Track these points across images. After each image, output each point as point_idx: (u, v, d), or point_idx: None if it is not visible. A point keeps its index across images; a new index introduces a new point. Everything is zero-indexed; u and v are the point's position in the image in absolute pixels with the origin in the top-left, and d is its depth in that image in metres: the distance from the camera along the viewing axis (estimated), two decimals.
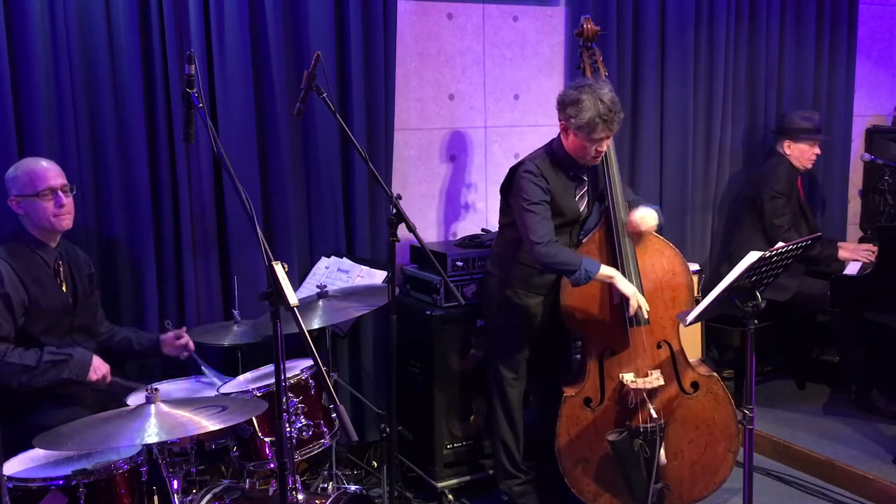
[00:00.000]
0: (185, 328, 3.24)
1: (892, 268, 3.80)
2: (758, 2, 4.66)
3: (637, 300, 3.16)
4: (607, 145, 3.24)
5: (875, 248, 4.41)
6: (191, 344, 3.18)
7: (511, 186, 3.30)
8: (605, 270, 3.16)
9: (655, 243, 3.37)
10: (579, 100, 3.09)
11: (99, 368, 2.92)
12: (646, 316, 3.21)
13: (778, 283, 2.98)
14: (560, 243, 3.32)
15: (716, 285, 2.82)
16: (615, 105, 3.10)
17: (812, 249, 4.14)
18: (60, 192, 2.93)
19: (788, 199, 4.42)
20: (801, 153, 4.47)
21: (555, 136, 3.24)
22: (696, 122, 4.57)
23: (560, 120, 3.20)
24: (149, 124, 3.38)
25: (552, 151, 3.29)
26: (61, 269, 3.02)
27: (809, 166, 4.54)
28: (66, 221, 2.97)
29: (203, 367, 3.14)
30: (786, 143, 4.48)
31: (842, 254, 4.39)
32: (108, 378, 2.96)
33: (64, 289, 3.02)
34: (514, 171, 3.30)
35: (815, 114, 4.57)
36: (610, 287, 3.22)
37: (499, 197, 3.43)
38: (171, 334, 3.18)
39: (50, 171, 2.93)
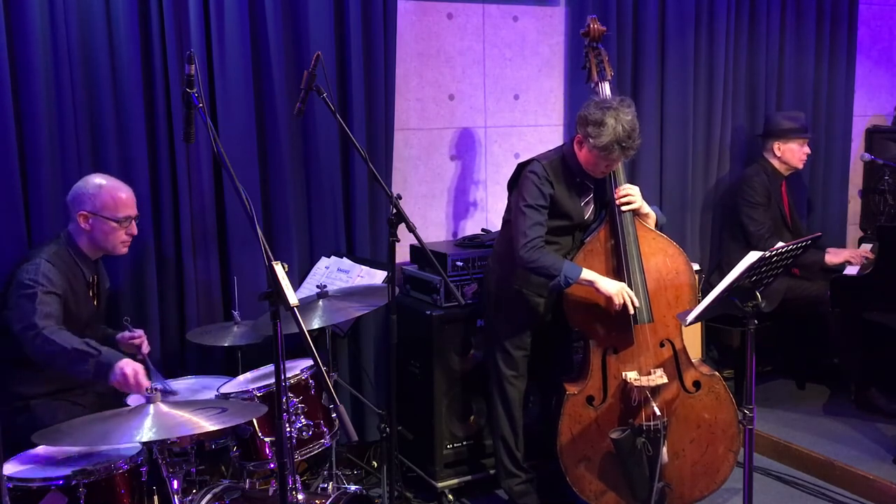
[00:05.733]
0: (141, 331, 3.11)
1: (892, 268, 3.80)
2: (758, 1, 4.66)
3: (622, 296, 3.17)
4: (618, 163, 3.26)
5: (864, 252, 4.42)
6: (145, 347, 3.06)
7: (516, 182, 3.32)
8: (587, 275, 3.17)
9: (659, 242, 3.37)
10: (602, 122, 3.10)
11: (127, 377, 2.67)
12: (631, 311, 3.21)
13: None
14: (561, 245, 3.34)
15: (708, 293, 2.83)
16: (634, 132, 3.12)
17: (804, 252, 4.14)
18: (134, 222, 3.00)
19: (766, 208, 4.42)
20: (792, 153, 4.46)
21: (557, 135, 3.26)
22: (696, 122, 4.57)
23: (578, 132, 3.21)
24: (149, 124, 3.38)
25: (563, 156, 3.31)
26: (95, 283, 3.06)
27: (801, 166, 4.53)
28: (126, 249, 3.02)
29: (152, 374, 2.95)
30: (775, 146, 4.46)
31: (828, 258, 4.38)
32: (144, 386, 2.64)
33: (95, 303, 3.06)
34: (521, 168, 3.32)
35: (800, 113, 4.57)
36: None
37: (500, 196, 3.45)
38: (126, 333, 3.09)
39: (132, 200, 3.00)
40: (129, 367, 2.69)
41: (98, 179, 2.98)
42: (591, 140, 3.14)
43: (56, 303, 2.82)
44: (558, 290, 3.21)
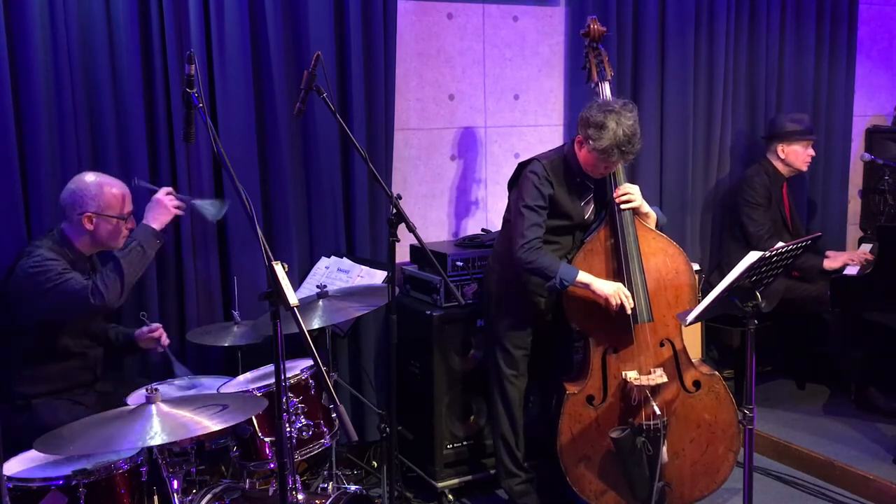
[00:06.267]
0: (159, 324, 3.20)
1: (892, 268, 3.80)
2: (758, 2, 4.66)
3: (618, 297, 3.17)
4: (618, 165, 3.26)
5: (862, 253, 4.41)
6: (164, 339, 3.14)
7: (517, 182, 3.32)
8: (582, 277, 3.19)
9: (659, 242, 3.37)
10: (603, 125, 3.10)
11: (157, 220, 2.98)
12: (627, 311, 3.21)
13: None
14: (561, 245, 3.34)
15: (708, 293, 2.83)
16: (635, 137, 3.13)
17: (804, 255, 4.14)
18: (133, 216, 3.05)
19: (766, 209, 4.42)
20: (797, 156, 4.46)
21: (557, 135, 3.26)
22: (696, 122, 4.57)
23: (579, 133, 3.21)
24: (149, 124, 3.38)
25: (564, 156, 3.32)
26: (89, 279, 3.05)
27: (805, 169, 4.53)
28: (124, 242, 3.04)
29: (175, 367, 3.10)
30: (779, 148, 4.46)
31: (827, 263, 4.37)
32: (175, 204, 3.04)
33: None
34: (521, 168, 3.32)
35: (804, 115, 4.56)
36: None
37: (500, 196, 3.45)
38: (145, 329, 3.15)
39: (129, 195, 3.03)
40: (153, 211, 3.00)
41: (92, 177, 2.99)
42: (591, 142, 3.14)
43: (72, 270, 2.87)
44: (555, 291, 3.23)
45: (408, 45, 3.98)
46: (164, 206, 3.01)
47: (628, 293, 3.21)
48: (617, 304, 3.18)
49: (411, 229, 2.86)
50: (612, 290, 3.18)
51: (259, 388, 2.79)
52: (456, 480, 3.67)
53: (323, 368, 2.14)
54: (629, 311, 3.21)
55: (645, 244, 3.34)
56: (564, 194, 3.29)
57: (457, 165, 4.20)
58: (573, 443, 3.30)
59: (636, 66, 4.40)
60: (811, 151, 4.49)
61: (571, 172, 3.30)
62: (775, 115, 4.63)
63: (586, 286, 3.19)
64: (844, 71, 4.97)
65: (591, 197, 3.38)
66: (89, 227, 2.94)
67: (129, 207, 3.02)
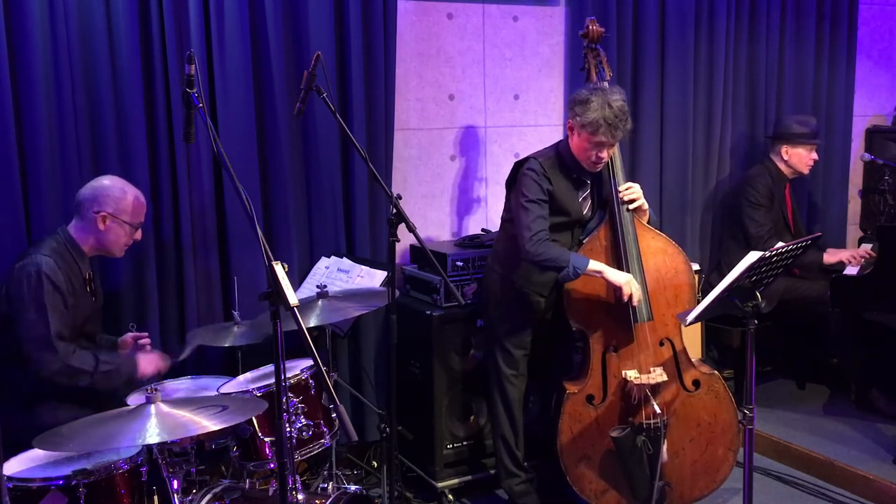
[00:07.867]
0: (147, 333, 3.20)
1: (892, 268, 3.80)
2: (758, 2, 4.66)
3: (630, 288, 3.17)
4: (609, 154, 3.26)
5: (864, 252, 4.41)
6: (148, 347, 3.14)
7: (514, 181, 3.32)
8: (594, 265, 3.17)
9: (659, 241, 3.38)
10: (588, 100, 3.12)
11: (147, 369, 2.98)
12: (635, 303, 3.21)
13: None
14: (560, 242, 3.34)
15: (708, 293, 2.83)
16: (622, 113, 3.13)
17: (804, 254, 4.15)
18: (140, 228, 3.07)
19: (768, 210, 4.42)
20: (800, 158, 4.46)
21: (557, 135, 3.26)
22: (696, 122, 4.57)
23: (568, 118, 3.23)
24: (149, 124, 3.38)
25: (559, 152, 3.32)
26: (90, 279, 3.07)
27: (806, 172, 4.53)
28: (124, 253, 3.09)
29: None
30: (783, 149, 4.46)
31: (826, 258, 4.37)
32: (164, 368, 3.05)
33: (94, 298, 3.08)
34: (518, 167, 3.33)
35: (811, 118, 4.55)
36: (609, 284, 3.22)
37: (500, 196, 3.46)
38: (129, 336, 3.14)
39: (145, 207, 3.09)
40: (150, 365, 2.99)
41: (115, 181, 3.01)
42: (578, 119, 3.15)
43: (61, 305, 2.85)
44: (567, 281, 3.21)
45: (408, 45, 3.98)
46: (155, 364, 3.02)
47: (638, 286, 3.20)
48: (629, 295, 3.17)
49: (411, 229, 2.86)
50: (625, 280, 3.17)
51: (259, 388, 2.79)
52: (456, 480, 3.67)
53: (323, 368, 2.14)
54: (636, 304, 3.21)
55: (644, 243, 3.34)
56: (562, 190, 3.29)
57: (457, 165, 4.21)
58: (573, 442, 3.30)
59: (636, 66, 4.40)
60: (814, 155, 4.48)
61: (567, 168, 3.30)
62: (782, 116, 4.63)
63: (599, 273, 3.18)
64: (844, 71, 4.97)
65: (588, 193, 3.38)
66: (101, 226, 2.95)
67: (141, 218, 3.05)
